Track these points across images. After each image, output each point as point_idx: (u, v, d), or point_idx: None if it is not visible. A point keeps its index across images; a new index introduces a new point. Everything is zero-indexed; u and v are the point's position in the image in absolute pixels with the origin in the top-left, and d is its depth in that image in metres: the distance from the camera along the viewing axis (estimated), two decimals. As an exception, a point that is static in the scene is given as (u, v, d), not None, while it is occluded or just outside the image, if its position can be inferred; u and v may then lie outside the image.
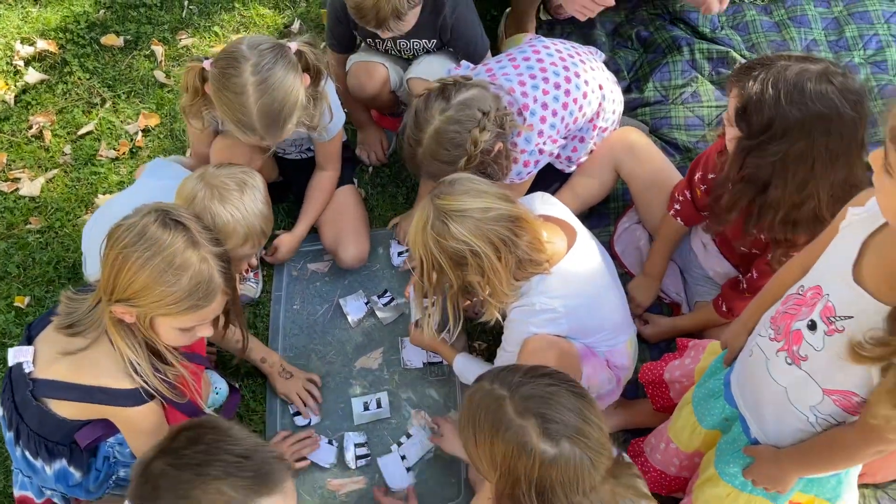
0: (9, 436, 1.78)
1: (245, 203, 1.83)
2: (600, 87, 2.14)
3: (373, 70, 2.32)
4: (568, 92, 2.05)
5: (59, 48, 2.91)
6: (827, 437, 1.32)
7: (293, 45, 1.89)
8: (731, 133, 1.69)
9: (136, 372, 1.62)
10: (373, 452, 2.08)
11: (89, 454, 1.81)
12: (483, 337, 2.25)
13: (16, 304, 2.35)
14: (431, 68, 2.26)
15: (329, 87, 2.08)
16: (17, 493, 1.94)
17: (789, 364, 1.33)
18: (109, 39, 2.92)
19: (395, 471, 2.04)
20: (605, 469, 1.27)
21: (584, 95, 2.08)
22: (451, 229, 1.62)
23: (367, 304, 2.31)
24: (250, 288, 2.33)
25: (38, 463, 1.78)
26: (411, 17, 2.05)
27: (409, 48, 2.30)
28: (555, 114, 2.04)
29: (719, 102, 2.58)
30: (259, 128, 1.84)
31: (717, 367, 1.63)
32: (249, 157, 2.09)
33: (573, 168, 2.29)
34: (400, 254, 2.39)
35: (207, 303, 1.55)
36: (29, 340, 1.72)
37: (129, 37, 2.94)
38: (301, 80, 1.88)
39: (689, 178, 2.03)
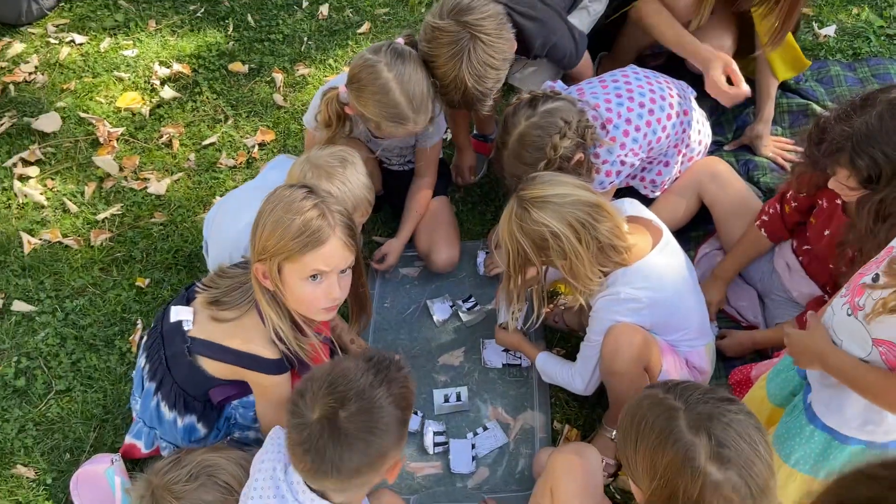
0: (149, 386, 1.98)
1: (349, 177, 2.03)
2: (685, 113, 2.28)
3: None
4: (652, 111, 2.21)
5: (192, 71, 3.25)
6: (881, 375, 1.38)
7: (400, 40, 2.13)
8: (851, 194, 1.75)
9: (279, 339, 1.79)
10: (449, 439, 2.19)
11: (216, 414, 1.99)
12: (562, 343, 2.35)
13: (137, 283, 2.59)
14: (533, 81, 2.45)
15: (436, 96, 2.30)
16: (128, 440, 2.12)
17: (849, 315, 1.41)
18: (236, 66, 3.26)
19: (463, 456, 2.15)
20: None
21: (669, 117, 2.23)
22: (532, 214, 1.77)
23: (452, 307, 2.46)
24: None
25: (172, 415, 1.96)
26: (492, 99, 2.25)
27: None
28: (638, 129, 2.19)
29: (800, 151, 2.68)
30: (410, 115, 2.08)
31: None
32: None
33: (657, 193, 2.42)
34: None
35: (319, 242, 1.69)
36: (187, 301, 1.94)
37: (253, 65, 3.27)
38: (421, 65, 2.10)
39: (780, 194, 2.13)
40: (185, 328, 1.88)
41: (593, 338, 1.93)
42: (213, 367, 1.88)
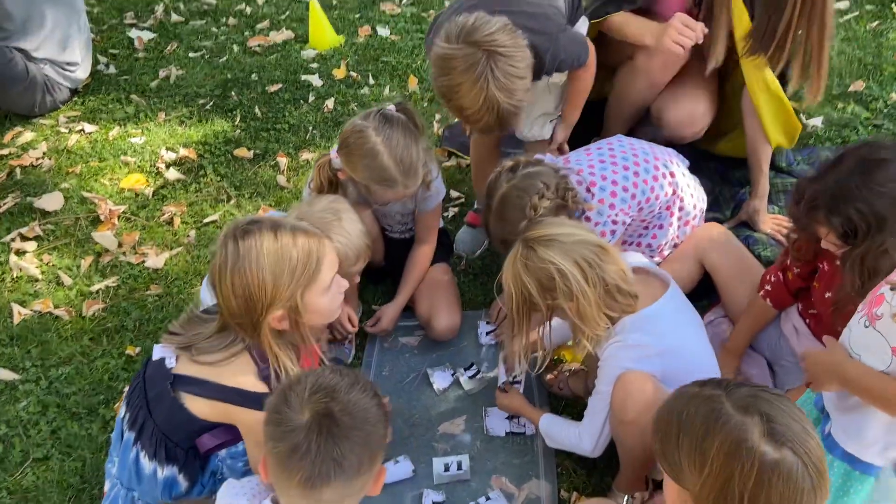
0: (129, 436, 1.85)
1: (346, 228, 2.03)
2: (672, 175, 2.31)
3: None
4: (637, 174, 2.24)
5: (198, 156, 3.32)
6: (894, 378, 1.32)
7: (391, 107, 2.18)
8: (838, 251, 1.76)
9: (276, 378, 1.73)
10: (451, 510, 2.05)
11: (200, 465, 1.87)
12: (568, 410, 2.25)
13: (127, 351, 2.51)
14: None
15: (432, 161, 2.34)
16: (101, 512, 1.98)
17: (866, 327, 1.36)
18: (241, 152, 3.33)
19: (469, 529, 2.00)
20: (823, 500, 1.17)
21: (655, 178, 2.25)
22: (539, 252, 1.75)
23: (453, 375, 2.38)
24: (344, 353, 2.44)
25: (151, 466, 1.83)
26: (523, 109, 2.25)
27: None
28: (625, 189, 2.21)
29: (798, 226, 2.70)
30: (399, 178, 2.10)
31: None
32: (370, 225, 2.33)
33: (656, 258, 2.41)
34: (488, 333, 2.49)
35: (323, 256, 1.72)
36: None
37: (258, 151, 3.34)
38: (413, 132, 2.14)
39: (781, 260, 2.12)
40: (168, 365, 1.79)
41: (602, 388, 1.85)
42: (198, 407, 1.77)
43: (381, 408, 1.40)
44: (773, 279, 2.12)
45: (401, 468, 2.13)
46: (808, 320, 2.13)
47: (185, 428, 1.80)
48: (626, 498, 1.93)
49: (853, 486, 1.45)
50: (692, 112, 2.64)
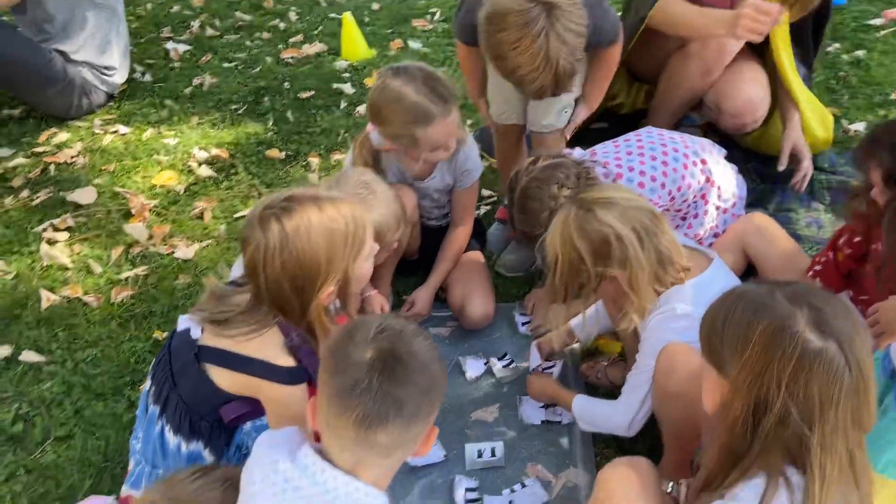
0: (154, 409, 1.80)
1: (380, 198, 2.01)
2: (703, 162, 2.25)
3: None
4: (665, 163, 2.19)
5: (230, 156, 3.33)
6: None
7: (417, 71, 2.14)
8: (883, 198, 1.75)
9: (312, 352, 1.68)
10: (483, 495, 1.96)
11: (225, 439, 1.80)
12: (599, 394, 2.17)
13: (154, 335, 2.47)
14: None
15: (471, 142, 2.30)
16: (124, 492, 1.90)
17: None
18: (273, 153, 3.33)
19: (500, 515, 1.91)
20: (854, 408, 1.15)
21: (685, 167, 2.21)
22: (597, 214, 1.69)
23: (485, 363, 2.31)
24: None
25: (176, 441, 1.77)
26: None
27: None
28: (654, 179, 2.16)
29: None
30: (434, 108, 2.05)
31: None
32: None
33: (695, 249, 2.35)
34: (524, 324, 2.42)
35: (365, 227, 1.68)
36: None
37: (290, 152, 3.34)
38: (428, 74, 2.10)
39: (832, 242, 2.06)
40: (194, 336, 1.74)
41: (644, 362, 1.78)
42: (223, 378, 1.71)
43: (441, 361, 1.33)
44: (823, 259, 2.05)
45: (432, 453, 2.05)
46: (860, 307, 2.04)
47: (210, 401, 1.74)
48: (671, 485, 1.83)
49: None
50: (752, 98, 2.58)
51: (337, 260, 1.62)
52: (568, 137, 2.56)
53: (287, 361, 1.67)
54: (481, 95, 2.58)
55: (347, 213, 1.65)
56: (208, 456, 1.79)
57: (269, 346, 1.67)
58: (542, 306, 2.29)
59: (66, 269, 2.79)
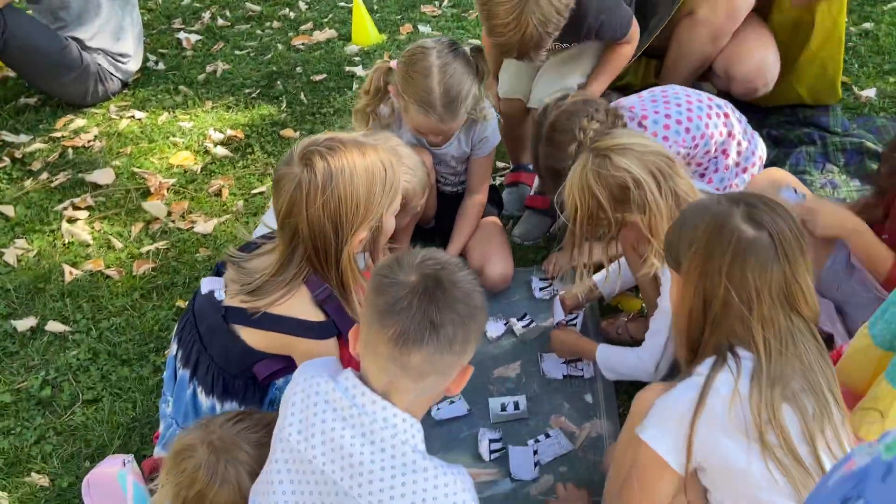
0: (183, 373, 1.80)
1: (407, 164, 2.05)
2: (726, 116, 2.28)
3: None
4: (690, 109, 2.21)
5: (245, 136, 3.36)
6: None
7: (466, 47, 2.18)
8: None
9: (346, 301, 1.70)
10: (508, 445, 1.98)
11: (260, 397, 1.82)
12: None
13: (177, 304, 2.50)
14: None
15: (491, 112, 2.33)
16: (157, 453, 1.92)
17: None
18: (287, 132, 3.36)
19: (524, 463, 1.93)
20: (787, 293, 1.30)
21: (709, 116, 2.23)
22: (614, 160, 1.72)
23: (506, 324, 2.33)
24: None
25: (209, 402, 1.78)
26: (549, 44, 2.26)
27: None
28: (679, 122, 2.18)
29: (857, 186, 2.65)
30: (439, 106, 2.08)
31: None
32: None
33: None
34: (542, 289, 2.44)
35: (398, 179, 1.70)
36: (218, 274, 1.84)
37: (304, 132, 3.37)
38: (474, 73, 2.13)
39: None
40: (218, 298, 1.74)
41: (664, 305, 1.79)
42: (253, 338, 1.70)
43: (484, 303, 1.34)
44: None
45: (455, 407, 2.07)
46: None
47: (243, 360, 1.74)
48: None
49: None
50: (763, 61, 2.60)
51: (374, 204, 1.63)
52: None
53: (318, 316, 1.69)
54: (494, 75, 2.64)
55: (387, 161, 1.67)
56: (244, 414, 1.80)
57: (299, 303, 1.68)
58: (563, 267, 2.30)
59: (88, 245, 2.82)
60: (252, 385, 1.80)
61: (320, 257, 1.65)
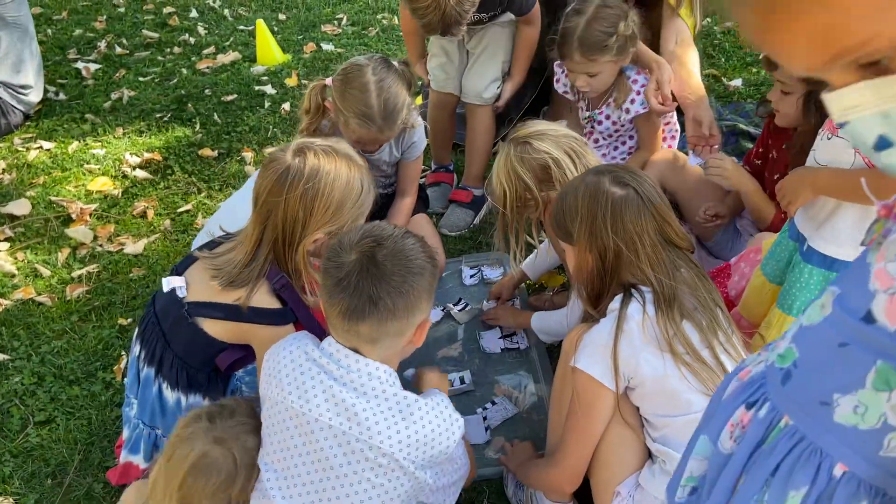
0: (148, 372, 1.88)
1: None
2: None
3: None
4: None
5: (164, 158, 3.40)
6: (857, 170, 1.55)
7: (395, 62, 2.35)
8: (791, 101, 2.04)
9: (310, 295, 1.83)
10: (460, 415, 2.15)
11: (222, 387, 1.91)
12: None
13: (119, 322, 2.53)
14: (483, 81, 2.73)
15: (418, 119, 2.51)
16: (123, 458, 1.97)
17: (829, 139, 1.60)
18: (205, 152, 3.42)
19: (476, 428, 2.10)
20: (660, 231, 1.58)
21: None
22: (534, 144, 1.94)
23: (443, 310, 2.50)
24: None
25: (174, 396, 1.86)
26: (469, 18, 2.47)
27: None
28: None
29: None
30: (378, 120, 2.23)
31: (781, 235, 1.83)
32: None
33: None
34: (472, 276, 2.64)
35: (370, 202, 1.88)
36: (176, 273, 1.92)
37: (222, 150, 3.45)
38: (406, 85, 2.31)
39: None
40: (180, 295, 1.84)
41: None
42: (215, 328, 1.82)
43: (429, 262, 1.52)
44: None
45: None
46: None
47: (205, 350, 1.85)
48: None
49: None
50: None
51: (342, 214, 1.78)
52: (500, 109, 2.82)
53: (274, 304, 1.82)
54: (420, 58, 2.83)
55: (366, 183, 1.84)
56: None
57: (258, 294, 1.81)
58: (506, 317, 2.44)
59: (13, 275, 2.79)
60: (214, 377, 1.90)
61: (285, 241, 1.79)
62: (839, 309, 0.72)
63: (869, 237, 0.76)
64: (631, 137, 2.69)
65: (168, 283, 1.88)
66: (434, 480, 1.52)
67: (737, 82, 3.51)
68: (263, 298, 1.81)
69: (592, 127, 2.67)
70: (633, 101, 2.53)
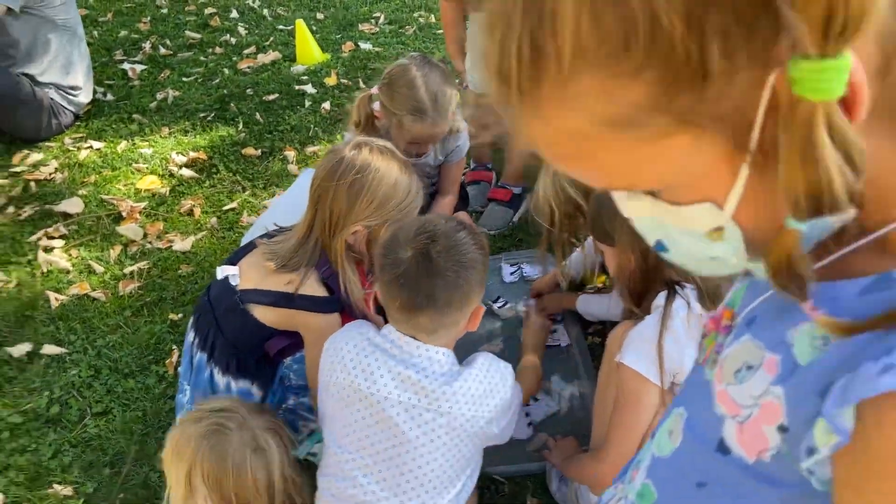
0: (200, 357, 1.96)
1: None
2: None
3: None
4: None
5: (208, 157, 3.49)
6: None
7: (436, 59, 2.41)
8: None
9: (345, 290, 1.90)
10: (504, 411, 2.19)
11: (270, 374, 1.99)
12: (599, 331, 2.43)
13: (170, 317, 2.62)
14: None
15: (462, 122, 2.55)
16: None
17: None
18: (249, 151, 3.50)
19: (519, 424, 2.10)
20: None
21: None
22: None
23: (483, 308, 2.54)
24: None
25: (225, 380, 1.94)
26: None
27: None
28: None
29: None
30: (430, 112, 2.29)
31: None
32: None
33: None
34: (512, 273, 2.67)
35: (416, 208, 1.94)
36: (230, 263, 2.01)
37: (265, 149, 3.52)
38: (448, 79, 2.36)
39: None
40: (233, 283, 1.93)
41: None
42: (265, 314, 1.90)
43: (480, 253, 1.59)
44: None
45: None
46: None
47: (256, 336, 1.93)
48: None
49: None
50: None
51: (384, 211, 1.85)
52: None
53: (322, 292, 1.90)
54: (460, 54, 2.86)
55: (415, 188, 1.91)
56: (257, 392, 1.97)
57: (306, 282, 1.88)
58: (551, 302, 2.47)
59: (68, 272, 2.90)
60: (263, 364, 1.98)
61: (329, 229, 1.87)
62: (690, 436, 0.69)
63: (702, 355, 0.74)
64: None
65: (222, 271, 1.97)
66: (500, 430, 1.63)
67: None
68: (312, 286, 1.89)
69: None
70: None
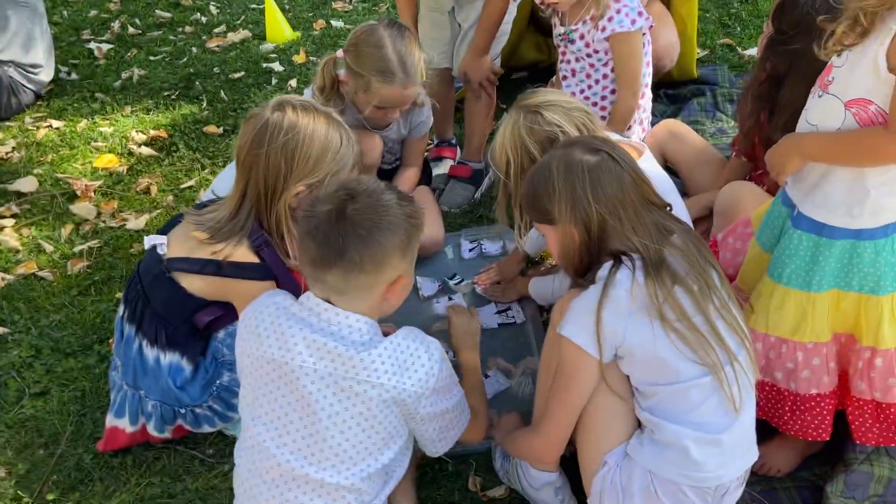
0: (129, 331, 1.90)
1: None
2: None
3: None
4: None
5: (169, 135, 3.40)
6: (856, 132, 1.45)
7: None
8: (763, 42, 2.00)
9: (294, 256, 1.84)
10: (452, 388, 2.11)
11: (201, 348, 1.91)
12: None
13: (118, 296, 2.54)
14: None
15: (426, 98, 2.47)
16: (109, 423, 1.99)
17: (820, 97, 1.50)
18: (211, 129, 3.42)
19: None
20: (639, 193, 1.56)
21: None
22: (544, 115, 1.87)
23: (439, 284, 2.46)
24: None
25: (154, 353, 1.88)
26: None
27: None
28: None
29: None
30: (400, 72, 2.21)
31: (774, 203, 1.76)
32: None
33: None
34: (470, 250, 2.59)
35: (351, 156, 1.89)
36: (161, 233, 1.95)
37: (227, 127, 3.43)
38: (417, 43, 2.29)
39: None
40: (161, 252, 1.87)
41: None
42: (193, 283, 1.84)
43: (406, 220, 1.51)
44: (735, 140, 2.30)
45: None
46: (764, 186, 2.28)
47: (184, 307, 1.86)
48: None
49: (822, 255, 1.58)
50: (669, 41, 2.82)
51: (322, 165, 1.80)
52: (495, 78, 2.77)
53: (253, 259, 1.83)
54: (414, 29, 2.79)
55: (345, 137, 1.85)
56: (186, 365, 1.90)
57: (239, 249, 1.82)
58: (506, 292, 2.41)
59: (17, 251, 2.82)
60: (193, 335, 1.91)
61: (267, 195, 1.80)
62: None
63: None
64: (605, 77, 2.51)
65: (149, 240, 1.91)
66: (429, 408, 1.54)
67: (751, 51, 3.39)
68: (243, 253, 1.82)
69: (566, 46, 2.52)
70: (610, 19, 2.38)
